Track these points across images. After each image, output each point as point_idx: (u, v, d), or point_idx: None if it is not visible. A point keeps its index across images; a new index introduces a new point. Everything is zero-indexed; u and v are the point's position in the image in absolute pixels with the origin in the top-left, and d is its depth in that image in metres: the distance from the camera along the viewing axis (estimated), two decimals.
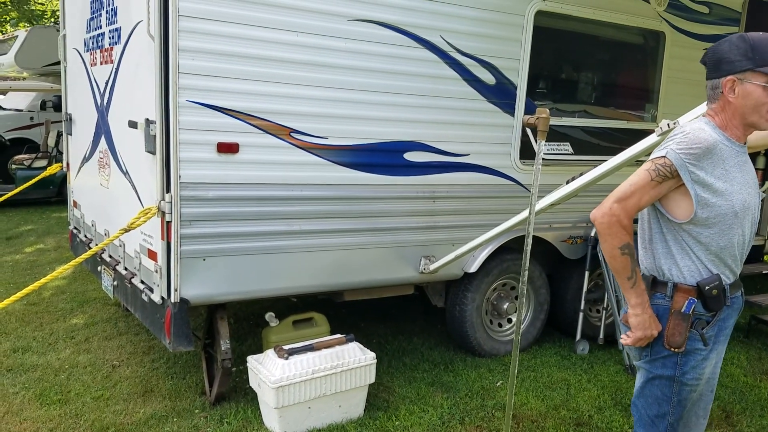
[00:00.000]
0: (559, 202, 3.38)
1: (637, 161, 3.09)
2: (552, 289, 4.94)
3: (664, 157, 2.12)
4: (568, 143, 4.69)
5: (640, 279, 2.19)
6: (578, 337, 4.87)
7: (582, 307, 4.86)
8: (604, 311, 4.93)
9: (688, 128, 2.15)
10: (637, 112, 5.15)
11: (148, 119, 3.47)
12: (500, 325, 4.81)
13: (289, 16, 3.52)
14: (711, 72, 2.22)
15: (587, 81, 5.08)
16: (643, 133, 4.95)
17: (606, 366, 4.60)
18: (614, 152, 4.78)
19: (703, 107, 2.65)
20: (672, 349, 2.19)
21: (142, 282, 3.84)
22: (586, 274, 4.85)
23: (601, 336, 4.92)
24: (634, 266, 2.16)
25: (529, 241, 2.75)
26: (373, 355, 3.69)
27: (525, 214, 3.49)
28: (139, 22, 3.62)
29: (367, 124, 3.86)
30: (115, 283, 4.30)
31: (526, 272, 2.74)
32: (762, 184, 6.00)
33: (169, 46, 3.28)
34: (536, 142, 3.02)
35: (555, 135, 4.60)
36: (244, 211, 3.60)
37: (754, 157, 6.06)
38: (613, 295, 4.67)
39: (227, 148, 3.50)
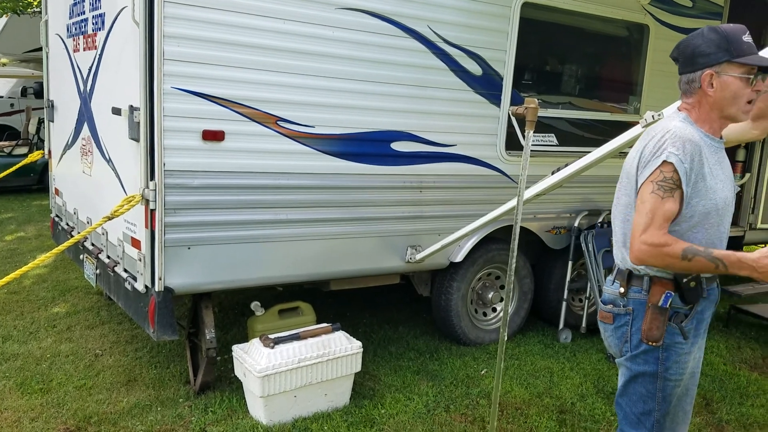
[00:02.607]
0: (545, 192, 3.40)
1: (621, 153, 3.12)
2: (536, 278, 4.98)
3: (668, 163, 2.05)
4: (553, 134, 4.71)
5: (724, 254, 2.04)
6: (561, 325, 4.92)
7: (565, 296, 4.91)
8: (587, 300, 4.98)
9: (672, 128, 2.11)
10: (620, 104, 5.19)
11: (132, 106, 3.43)
12: (485, 314, 4.84)
13: (276, 3, 3.50)
14: (685, 66, 2.20)
15: (572, 73, 5.10)
16: (627, 125, 5.02)
17: (588, 354, 4.65)
18: (598, 144, 4.80)
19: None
20: (650, 343, 2.17)
21: (126, 270, 3.81)
22: (570, 263, 4.89)
23: (584, 325, 4.97)
24: (709, 256, 2.03)
25: (517, 229, 2.76)
26: (359, 344, 3.70)
27: (511, 204, 3.52)
28: (123, 8, 3.57)
29: (354, 113, 3.85)
30: (98, 271, 4.26)
31: (514, 261, 2.76)
32: (741, 176, 6.09)
33: (154, 33, 3.24)
34: (523, 135, 3.03)
35: (540, 126, 4.62)
36: (229, 199, 3.57)
37: (734, 149, 6.13)
38: (596, 285, 4.72)
39: (213, 136, 3.48)
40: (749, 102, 2.15)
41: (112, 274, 3.98)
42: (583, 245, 4.80)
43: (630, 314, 2.24)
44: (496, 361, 2.83)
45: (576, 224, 4.89)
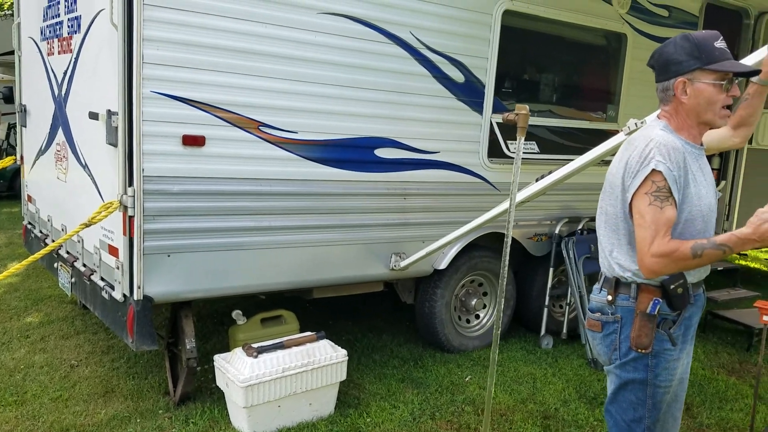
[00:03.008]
0: (530, 199, 3.40)
1: (603, 161, 3.14)
2: (517, 285, 4.98)
3: (657, 172, 2.05)
4: (534, 142, 4.73)
5: (725, 238, 2.02)
6: (543, 332, 4.93)
7: (546, 302, 4.92)
8: (567, 307, 5.00)
9: (655, 136, 2.11)
10: (598, 113, 5.24)
11: (110, 110, 3.35)
12: (468, 321, 4.83)
13: (258, 7, 3.46)
14: (660, 75, 2.21)
15: (552, 81, 5.14)
16: (605, 134, 5.07)
17: (570, 360, 4.66)
18: (577, 152, 4.83)
19: None
20: (639, 350, 2.17)
21: (103, 279, 3.72)
22: (551, 270, 4.91)
23: (565, 331, 4.99)
24: (714, 245, 2.02)
25: (509, 233, 2.76)
26: (344, 352, 3.65)
27: (497, 210, 3.52)
28: (101, 11, 3.50)
29: (337, 119, 3.81)
30: (73, 280, 4.16)
31: (506, 267, 2.75)
32: (717, 184, 6.18)
33: (133, 36, 3.18)
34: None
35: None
36: (210, 206, 3.51)
37: (709, 158, 6.23)
38: (577, 291, 4.74)
39: (193, 141, 3.42)
40: (727, 107, 2.17)
41: (88, 282, 3.88)
42: (564, 252, 4.82)
43: (618, 322, 2.23)
44: (490, 362, 2.81)
45: (557, 231, 4.91)
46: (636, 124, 2.79)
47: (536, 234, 4.89)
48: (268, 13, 3.49)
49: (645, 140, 2.12)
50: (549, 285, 4.90)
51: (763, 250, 6.78)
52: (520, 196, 3.36)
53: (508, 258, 2.77)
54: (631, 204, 2.14)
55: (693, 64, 2.11)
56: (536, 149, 4.72)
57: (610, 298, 2.24)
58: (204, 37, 3.33)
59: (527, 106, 2.69)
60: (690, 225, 2.14)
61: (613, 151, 3.01)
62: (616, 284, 2.23)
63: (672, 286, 2.14)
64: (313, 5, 3.62)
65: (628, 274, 2.19)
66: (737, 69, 2.11)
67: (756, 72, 2.19)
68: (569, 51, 5.07)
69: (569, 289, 4.87)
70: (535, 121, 4.72)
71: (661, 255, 2.05)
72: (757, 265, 8.29)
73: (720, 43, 2.12)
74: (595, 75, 5.25)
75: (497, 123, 4.48)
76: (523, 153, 4.62)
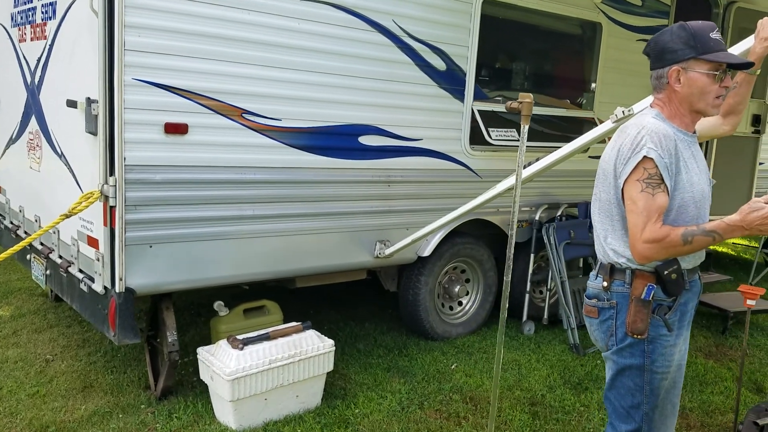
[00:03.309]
0: (512, 187, 3.40)
1: (588, 154, 3.15)
2: (499, 271, 5.00)
3: (649, 159, 2.07)
4: (514, 129, 4.74)
5: (714, 225, 2.06)
6: (524, 318, 4.96)
7: (528, 288, 4.95)
8: (548, 292, 5.05)
9: (647, 124, 2.13)
10: (576, 101, 5.28)
11: (89, 98, 3.25)
12: (451, 308, 4.84)
13: None
14: (655, 62, 2.23)
15: (531, 70, 5.17)
16: (581, 121, 5.12)
17: (552, 345, 4.71)
18: (555, 139, 4.89)
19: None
20: (635, 336, 2.18)
21: (81, 271, 3.62)
22: (531, 256, 4.94)
23: (545, 316, 5.03)
24: (704, 231, 2.05)
25: (516, 210, 2.79)
26: (331, 342, 3.62)
27: (484, 197, 3.53)
28: None
29: (321, 106, 3.77)
30: (48, 272, 4.04)
31: (512, 249, 2.79)
32: None
33: (114, 22, 3.08)
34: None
35: (503, 122, 4.65)
36: (193, 195, 3.44)
37: None
38: (558, 277, 4.78)
39: (175, 129, 3.34)
40: (719, 97, 2.19)
41: (64, 274, 3.77)
42: (544, 238, 4.85)
43: (614, 308, 2.25)
44: (496, 347, 2.81)
45: (537, 218, 4.94)
46: (623, 112, 2.82)
47: (517, 220, 4.90)
48: None
49: (637, 128, 2.14)
50: (530, 271, 4.94)
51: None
52: (507, 182, 3.37)
53: (514, 239, 2.83)
54: (623, 191, 2.15)
55: (688, 53, 2.12)
56: (516, 136, 4.73)
57: (605, 284, 2.26)
58: (186, 23, 3.26)
59: (531, 95, 2.69)
60: (683, 211, 2.16)
61: (600, 138, 3.04)
62: (611, 270, 2.24)
63: (666, 272, 2.16)
64: None
65: (623, 260, 2.21)
66: (731, 60, 2.13)
67: (750, 64, 2.20)
68: (547, 40, 5.09)
69: (550, 274, 4.91)
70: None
71: (652, 241, 2.07)
72: (724, 250, 8.49)
73: (715, 34, 2.14)
74: (571, 64, 5.29)
75: (478, 110, 4.48)
76: (504, 141, 4.68)
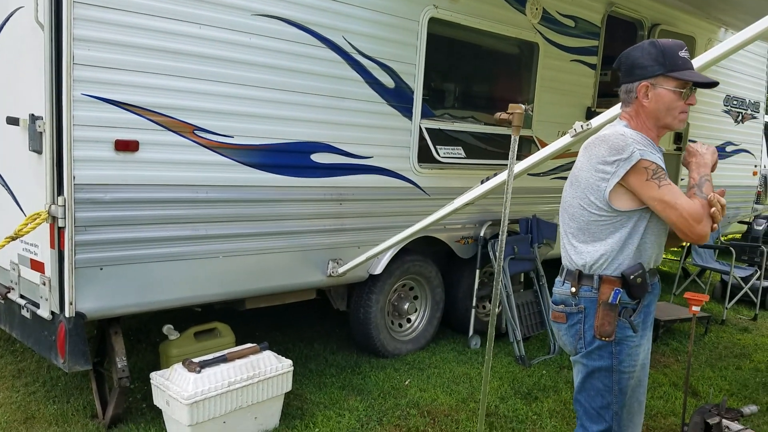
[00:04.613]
0: (474, 201, 3.48)
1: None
2: (446, 288, 5.07)
3: (643, 160, 2.18)
4: (460, 147, 4.84)
5: (693, 182, 2.32)
6: (471, 332, 5.05)
7: (474, 303, 5.04)
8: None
9: (624, 131, 2.24)
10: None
11: (33, 115, 3.13)
12: (401, 326, 4.86)
13: (192, 7, 3.35)
14: (625, 77, 2.34)
15: (474, 88, 5.30)
16: (521, 139, 5.26)
17: (499, 358, 4.80)
18: (497, 156, 5.02)
19: (613, 110, 2.87)
20: (603, 338, 2.28)
21: (22, 297, 3.44)
22: (477, 272, 5.04)
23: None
24: (698, 188, 2.27)
25: (506, 221, 2.83)
26: (289, 362, 3.56)
27: (440, 214, 3.59)
28: (18, 8, 3.27)
29: (273, 123, 3.74)
30: None
31: (502, 259, 2.83)
32: None
33: (62, 35, 2.98)
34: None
35: (448, 140, 4.74)
36: (145, 214, 3.34)
37: None
38: (504, 291, 4.89)
39: (126, 146, 3.24)
40: (683, 113, 2.33)
41: (2, 301, 3.57)
42: (489, 253, 4.96)
43: (582, 312, 2.34)
44: (485, 361, 2.84)
45: (482, 234, 5.05)
46: (582, 126, 2.94)
47: (463, 237, 5.00)
48: (203, 13, 3.38)
49: (616, 136, 2.24)
50: (476, 286, 5.03)
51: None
52: (466, 198, 3.44)
53: (503, 251, 2.87)
54: (612, 200, 2.22)
55: (657, 69, 2.24)
56: (463, 154, 4.84)
57: (573, 290, 2.34)
58: (137, 37, 3.18)
59: (522, 105, 2.76)
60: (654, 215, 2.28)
61: (559, 152, 3.14)
62: (579, 276, 2.33)
63: (632, 276, 2.26)
64: (247, 6, 3.54)
65: (589, 265, 2.29)
66: (697, 79, 2.26)
67: (714, 84, 2.31)
68: (489, 59, 5.25)
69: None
70: (460, 127, 4.84)
71: (698, 215, 2.20)
72: None
73: (684, 53, 2.27)
74: (512, 83, 5.46)
75: (426, 128, 4.56)
76: (452, 158, 4.77)
